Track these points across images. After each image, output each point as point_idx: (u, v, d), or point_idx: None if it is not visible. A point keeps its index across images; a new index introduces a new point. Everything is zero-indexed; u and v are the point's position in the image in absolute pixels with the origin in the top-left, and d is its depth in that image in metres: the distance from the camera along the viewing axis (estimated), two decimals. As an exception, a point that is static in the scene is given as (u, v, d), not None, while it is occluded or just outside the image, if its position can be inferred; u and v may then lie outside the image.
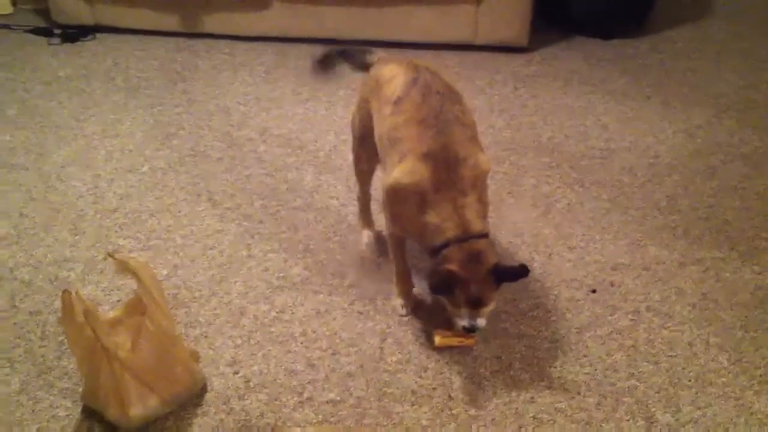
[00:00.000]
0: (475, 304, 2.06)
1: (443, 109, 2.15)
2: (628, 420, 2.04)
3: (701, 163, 3.22)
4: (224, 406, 2.06)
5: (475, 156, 2.11)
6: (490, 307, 2.09)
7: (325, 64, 2.65)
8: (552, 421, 2.03)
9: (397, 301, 2.40)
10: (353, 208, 2.78)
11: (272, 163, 3.20)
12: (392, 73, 2.29)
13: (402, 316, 2.36)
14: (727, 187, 3.05)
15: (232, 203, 2.92)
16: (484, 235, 2.07)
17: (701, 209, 2.91)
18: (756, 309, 2.42)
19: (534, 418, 2.04)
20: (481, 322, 2.10)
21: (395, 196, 2.15)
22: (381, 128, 2.25)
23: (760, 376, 2.18)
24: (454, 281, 2.02)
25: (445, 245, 2.05)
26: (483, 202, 2.13)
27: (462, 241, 2.03)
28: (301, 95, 3.75)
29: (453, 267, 2.01)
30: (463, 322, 2.11)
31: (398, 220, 2.22)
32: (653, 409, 2.07)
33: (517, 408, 2.07)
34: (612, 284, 2.53)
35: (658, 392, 2.12)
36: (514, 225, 2.81)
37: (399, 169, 2.11)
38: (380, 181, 2.36)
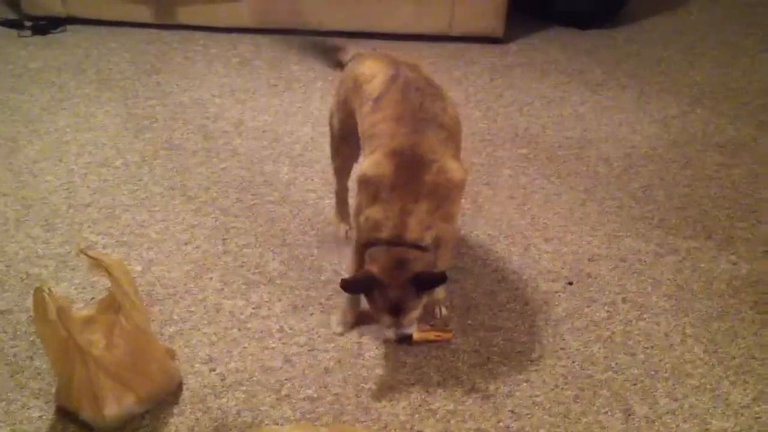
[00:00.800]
0: (395, 311, 2.01)
1: (423, 106, 2.11)
2: (605, 412, 2.04)
3: (677, 152, 3.23)
4: (200, 405, 2.04)
5: (443, 162, 2.03)
6: (412, 315, 2.04)
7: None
8: (530, 415, 2.03)
9: (336, 317, 2.33)
10: (330, 201, 2.76)
11: (248, 156, 3.17)
12: (372, 72, 2.25)
13: (337, 334, 2.30)
14: (702, 177, 3.06)
15: (207, 197, 2.90)
16: (417, 246, 1.99)
17: (677, 199, 2.92)
18: (732, 299, 2.44)
19: (512, 412, 2.04)
20: (408, 329, 2.07)
21: (362, 187, 2.09)
22: (362, 126, 2.21)
23: (736, 366, 2.19)
24: (373, 284, 1.99)
25: (373, 244, 2.01)
26: (437, 215, 2.02)
27: (390, 245, 1.99)
28: (277, 87, 3.72)
29: (374, 269, 1.98)
30: (389, 333, 2.08)
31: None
32: (630, 402, 2.07)
33: (495, 402, 2.07)
34: (589, 276, 2.53)
35: (635, 384, 2.13)
36: (491, 216, 2.80)
37: (368, 160, 2.08)
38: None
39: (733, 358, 2.22)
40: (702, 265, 2.58)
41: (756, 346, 2.25)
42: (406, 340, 2.18)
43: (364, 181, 2.07)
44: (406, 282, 1.98)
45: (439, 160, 2.03)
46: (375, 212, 2.02)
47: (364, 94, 2.22)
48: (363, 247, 2.06)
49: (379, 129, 2.11)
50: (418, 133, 2.05)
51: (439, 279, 2.03)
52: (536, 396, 2.09)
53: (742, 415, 2.04)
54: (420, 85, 2.17)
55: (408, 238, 1.99)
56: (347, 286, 2.05)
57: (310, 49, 2.60)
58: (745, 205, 2.88)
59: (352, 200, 2.67)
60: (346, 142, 2.42)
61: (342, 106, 2.38)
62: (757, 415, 2.03)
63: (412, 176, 2.00)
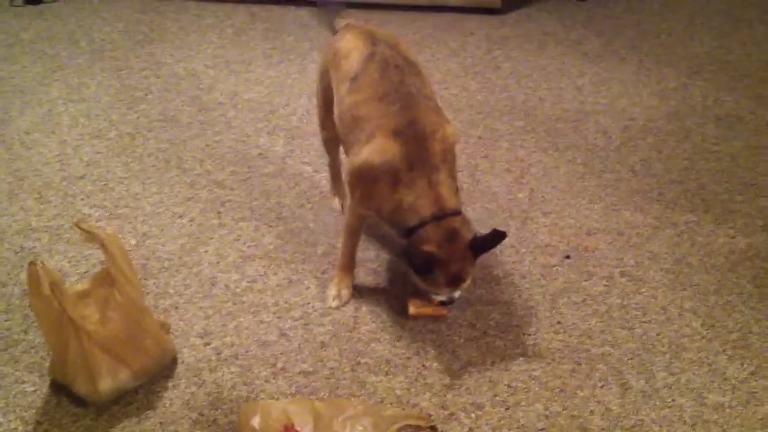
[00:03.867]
0: (456, 283, 2.05)
1: (403, 82, 2.10)
2: (602, 386, 2.04)
3: (675, 125, 3.20)
4: (195, 379, 2.03)
5: (442, 128, 2.07)
6: (468, 282, 2.09)
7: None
8: (526, 389, 2.03)
9: (331, 291, 2.30)
10: (326, 174, 2.74)
11: (243, 128, 3.14)
12: (349, 47, 2.22)
13: (332, 308, 2.28)
14: (701, 150, 3.04)
15: (202, 170, 2.87)
16: (458, 212, 2.04)
17: (675, 172, 2.90)
18: (729, 273, 2.42)
19: (508, 386, 2.03)
20: (457, 293, 2.11)
21: (365, 177, 2.06)
22: (340, 107, 2.19)
23: (733, 341, 2.18)
24: (435, 263, 1.99)
25: (421, 225, 2.00)
26: (454, 177, 2.10)
27: (438, 220, 1.99)
28: (272, 58, 3.68)
29: (432, 248, 1.98)
30: (442, 298, 2.12)
31: (368, 201, 2.11)
32: (627, 376, 2.06)
33: (491, 376, 2.06)
34: (586, 249, 2.51)
35: (632, 358, 2.12)
36: (488, 190, 2.78)
37: (368, 148, 2.04)
38: (345, 162, 2.29)
39: (731, 332, 2.21)
40: (700, 239, 2.56)
41: (753, 321, 2.24)
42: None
43: (371, 170, 2.03)
44: (464, 251, 2.01)
45: (439, 128, 2.06)
46: (405, 196, 2.01)
47: (341, 72, 2.20)
48: (410, 231, 2.03)
49: (363, 111, 2.09)
50: (410, 108, 2.05)
51: (498, 238, 2.03)
52: (533, 370, 2.08)
53: (738, 389, 2.03)
54: (398, 63, 2.15)
55: (449, 207, 2.02)
56: (419, 270, 2.05)
57: (321, 9, 2.60)
58: (744, 179, 2.86)
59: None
60: (328, 112, 2.38)
61: (324, 76, 2.36)
62: (754, 390, 2.03)
63: (424, 150, 2.01)
